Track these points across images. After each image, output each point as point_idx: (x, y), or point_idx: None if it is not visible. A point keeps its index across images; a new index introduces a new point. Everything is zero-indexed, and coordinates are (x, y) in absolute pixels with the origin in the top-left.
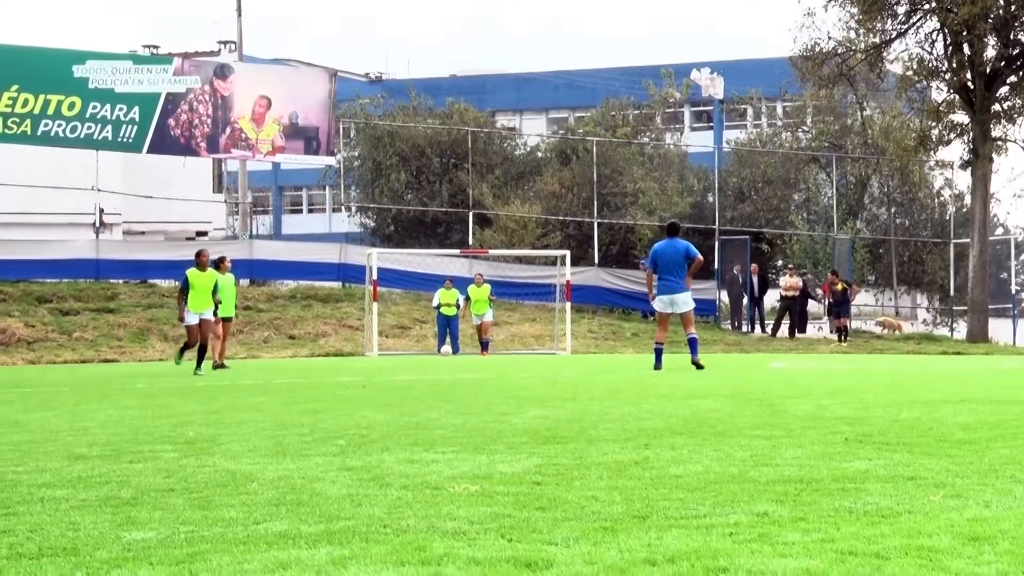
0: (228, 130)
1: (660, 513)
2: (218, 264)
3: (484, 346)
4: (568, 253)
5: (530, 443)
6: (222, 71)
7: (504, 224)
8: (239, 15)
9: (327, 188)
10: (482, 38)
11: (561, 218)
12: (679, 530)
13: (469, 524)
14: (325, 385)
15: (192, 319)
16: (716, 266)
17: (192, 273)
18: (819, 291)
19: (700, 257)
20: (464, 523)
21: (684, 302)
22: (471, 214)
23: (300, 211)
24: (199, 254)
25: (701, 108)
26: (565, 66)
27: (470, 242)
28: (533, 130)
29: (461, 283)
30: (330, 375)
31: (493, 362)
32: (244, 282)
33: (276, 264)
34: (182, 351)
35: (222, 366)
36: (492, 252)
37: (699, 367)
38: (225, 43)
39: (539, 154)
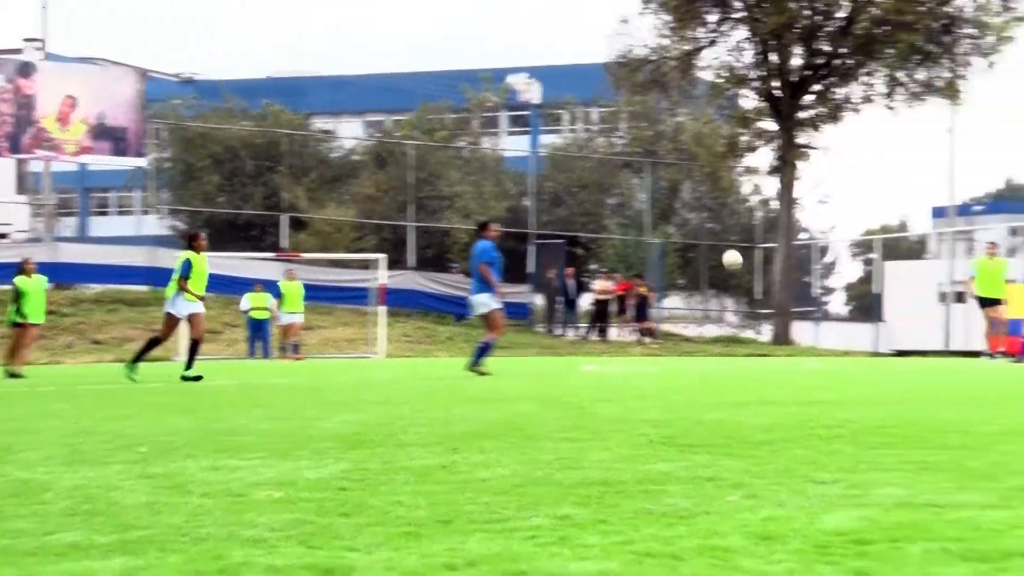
0: (32, 130)
1: (464, 517)
2: (22, 267)
3: (295, 348)
4: (384, 256)
5: (338, 448)
6: (25, 69)
7: (318, 227)
8: (43, 11)
9: (136, 190)
10: (299, 40)
11: (377, 222)
12: (482, 534)
13: (270, 531)
14: (131, 391)
15: (182, 309)
16: (532, 269)
17: (193, 256)
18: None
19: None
20: (265, 530)
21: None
22: (285, 217)
23: (107, 213)
24: (194, 236)
25: (518, 112)
26: (382, 69)
27: (284, 245)
28: (349, 132)
29: (274, 288)
30: (136, 381)
31: (305, 366)
32: (48, 285)
33: (82, 267)
34: (142, 354)
35: (17, 375)
36: (306, 256)
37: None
38: (30, 40)
39: (355, 157)
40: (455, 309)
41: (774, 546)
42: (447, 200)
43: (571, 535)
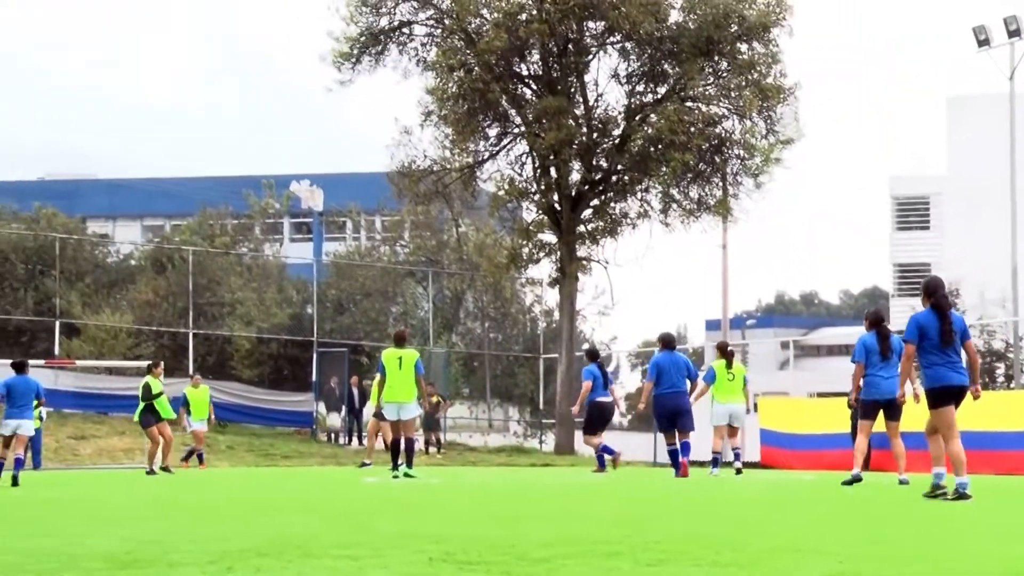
0: None
1: None
2: None
3: (200, 458)
4: (162, 363)
5: (106, 569)
6: None
7: (93, 334)
8: None
9: None
10: (74, 140)
11: (155, 328)
12: None
13: None
14: None
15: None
16: (315, 378)
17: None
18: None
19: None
20: None
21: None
22: (57, 323)
23: None
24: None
25: (301, 220)
26: (159, 173)
27: (56, 352)
28: (127, 237)
29: (49, 397)
30: None
31: (78, 478)
32: None
33: None
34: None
35: None
36: (80, 363)
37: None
38: None
39: (132, 262)
40: (236, 417)
41: None
42: (228, 307)
43: None
